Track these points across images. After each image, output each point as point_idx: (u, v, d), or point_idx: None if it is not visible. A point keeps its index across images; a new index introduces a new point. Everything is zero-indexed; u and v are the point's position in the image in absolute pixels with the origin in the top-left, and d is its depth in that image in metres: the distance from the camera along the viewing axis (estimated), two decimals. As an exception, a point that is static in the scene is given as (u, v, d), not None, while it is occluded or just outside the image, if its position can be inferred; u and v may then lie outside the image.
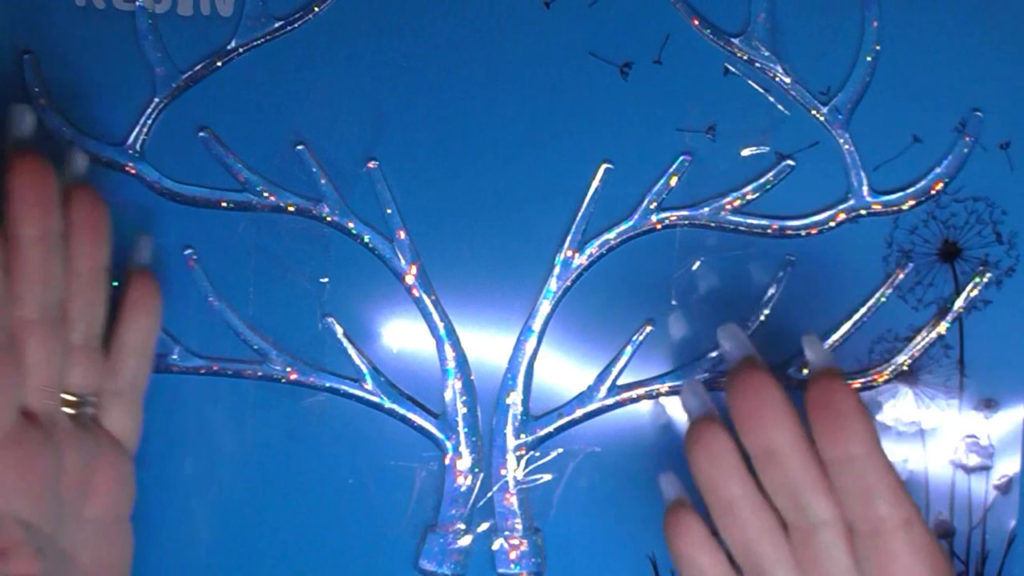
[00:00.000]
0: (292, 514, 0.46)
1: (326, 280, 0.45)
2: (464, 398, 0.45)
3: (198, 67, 0.44)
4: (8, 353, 0.35)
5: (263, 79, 0.44)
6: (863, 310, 0.44)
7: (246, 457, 0.45)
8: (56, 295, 0.37)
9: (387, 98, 0.44)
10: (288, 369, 0.45)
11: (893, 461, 0.43)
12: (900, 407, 0.44)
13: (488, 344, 0.45)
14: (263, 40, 0.44)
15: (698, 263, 0.44)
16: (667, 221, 0.44)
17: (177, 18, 0.44)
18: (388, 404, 0.45)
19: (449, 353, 0.45)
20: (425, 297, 0.45)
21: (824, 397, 0.33)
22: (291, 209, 0.45)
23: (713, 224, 0.44)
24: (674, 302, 0.44)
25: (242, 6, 0.44)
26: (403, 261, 0.45)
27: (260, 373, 0.45)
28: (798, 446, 0.33)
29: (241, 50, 0.44)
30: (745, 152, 0.44)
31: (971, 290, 0.43)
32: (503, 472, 0.45)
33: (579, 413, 0.45)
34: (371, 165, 0.44)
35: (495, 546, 0.46)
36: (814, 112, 0.43)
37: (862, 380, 0.44)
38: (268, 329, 0.45)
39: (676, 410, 0.45)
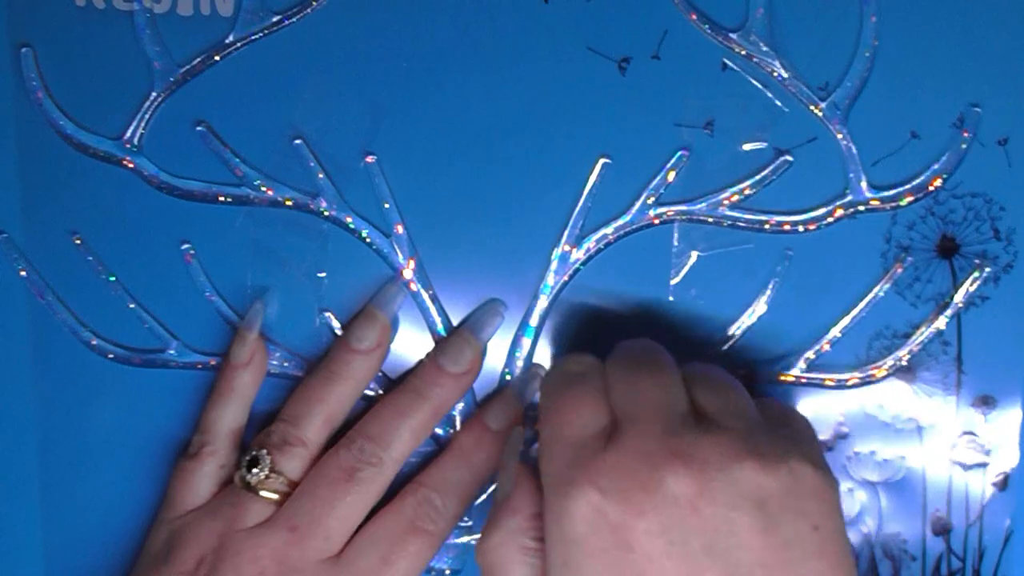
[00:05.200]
0: (289, 509, 0.45)
1: (323, 275, 0.45)
2: (461, 393, 0.45)
3: (196, 61, 0.44)
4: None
5: (261, 74, 0.44)
6: (861, 306, 0.44)
7: (243, 452, 0.45)
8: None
9: (385, 93, 0.44)
10: (285, 364, 0.45)
11: (889, 459, 0.43)
12: (898, 403, 0.44)
13: (485, 339, 0.45)
14: (261, 35, 0.44)
15: (696, 258, 0.44)
16: (665, 216, 0.44)
17: (176, 16, 0.44)
18: (385, 399, 0.45)
19: (446, 348, 0.45)
20: (423, 292, 0.45)
21: None
22: (288, 203, 0.45)
23: (711, 219, 0.44)
24: (671, 297, 0.44)
25: (240, 2, 0.44)
26: (401, 256, 0.45)
27: (257, 368, 0.45)
28: None
29: (239, 45, 0.44)
30: (743, 147, 0.44)
31: (969, 286, 0.43)
32: (500, 467, 0.45)
33: (576, 408, 0.45)
34: (369, 160, 0.44)
35: (492, 541, 0.45)
36: (812, 107, 0.43)
37: (860, 376, 0.44)
38: (265, 324, 0.45)
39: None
